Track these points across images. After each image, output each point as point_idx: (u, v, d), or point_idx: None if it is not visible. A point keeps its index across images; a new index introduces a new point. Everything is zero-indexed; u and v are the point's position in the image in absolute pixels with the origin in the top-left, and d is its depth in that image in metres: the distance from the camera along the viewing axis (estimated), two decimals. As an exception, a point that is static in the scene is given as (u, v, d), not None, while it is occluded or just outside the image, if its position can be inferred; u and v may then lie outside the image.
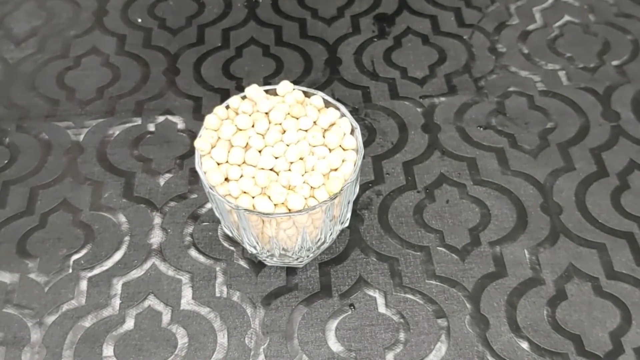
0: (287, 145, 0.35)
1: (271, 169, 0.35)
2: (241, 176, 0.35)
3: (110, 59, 0.53)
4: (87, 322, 0.38)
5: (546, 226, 0.42)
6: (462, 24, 0.54)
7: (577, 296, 0.39)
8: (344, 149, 0.36)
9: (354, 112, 0.48)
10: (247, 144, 0.36)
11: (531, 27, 0.54)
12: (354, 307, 0.39)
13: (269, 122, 0.36)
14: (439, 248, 0.41)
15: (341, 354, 0.37)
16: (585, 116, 0.47)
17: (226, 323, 0.38)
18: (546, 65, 0.51)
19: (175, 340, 0.38)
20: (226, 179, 0.35)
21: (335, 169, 0.35)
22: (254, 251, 0.38)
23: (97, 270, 0.41)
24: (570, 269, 0.40)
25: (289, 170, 0.35)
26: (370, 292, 0.39)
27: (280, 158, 0.35)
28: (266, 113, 0.36)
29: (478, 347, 0.37)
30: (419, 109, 0.48)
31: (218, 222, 0.42)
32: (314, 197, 0.34)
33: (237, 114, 0.37)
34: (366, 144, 0.46)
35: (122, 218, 0.43)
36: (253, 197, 0.34)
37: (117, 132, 0.48)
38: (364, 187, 0.44)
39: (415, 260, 0.41)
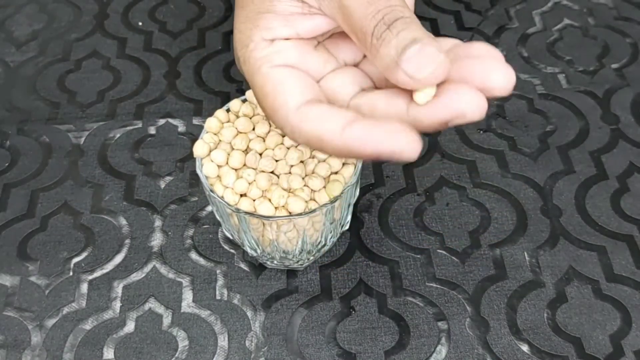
0: (288, 148, 0.35)
1: (272, 172, 0.35)
2: (241, 178, 0.35)
3: (111, 62, 0.53)
4: (88, 325, 0.38)
5: (546, 229, 0.42)
6: (462, 28, 0.54)
7: (577, 299, 0.39)
8: (344, 152, 0.36)
9: (354, 115, 0.48)
10: (248, 147, 0.36)
11: (531, 30, 0.54)
12: (354, 310, 0.39)
13: (270, 125, 0.36)
14: (439, 251, 0.41)
15: (341, 357, 0.37)
16: (585, 119, 0.47)
17: (227, 326, 0.38)
18: (546, 68, 0.51)
19: (175, 343, 0.38)
20: (227, 182, 0.35)
21: (336, 172, 0.35)
22: (255, 254, 0.38)
23: (97, 273, 0.41)
24: (570, 272, 0.40)
25: (290, 173, 0.35)
26: (371, 295, 0.39)
27: (280, 161, 0.35)
28: (267, 116, 0.36)
29: (478, 350, 0.37)
30: (419, 112, 0.48)
31: (218, 225, 0.42)
32: (314, 200, 0.34)
33: (237, 117, 0.37)
34: (366, 147, 0.46)
35: (123, 221, 0.43)
36: (254, 200, 0.34)
37: (118, 135, 0.48)
38: (364, 190, 0.44)
39: (416, 263, 0.41)
